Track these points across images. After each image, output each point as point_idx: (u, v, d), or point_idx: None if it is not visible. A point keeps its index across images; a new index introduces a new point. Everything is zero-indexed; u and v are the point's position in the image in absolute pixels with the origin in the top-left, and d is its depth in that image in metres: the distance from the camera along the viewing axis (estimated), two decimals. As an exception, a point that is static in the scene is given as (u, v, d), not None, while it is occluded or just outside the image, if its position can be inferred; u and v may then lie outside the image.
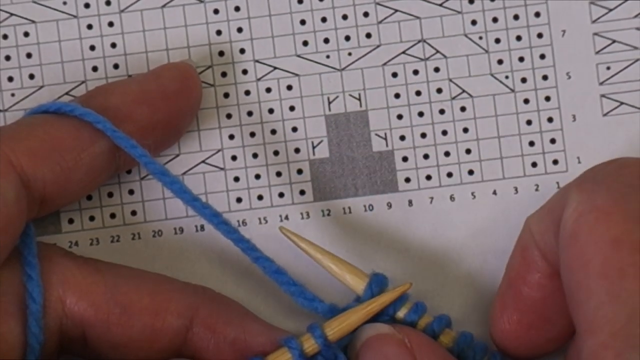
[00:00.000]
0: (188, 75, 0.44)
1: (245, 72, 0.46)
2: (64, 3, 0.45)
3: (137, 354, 0.40)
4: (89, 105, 0.41)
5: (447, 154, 0.46)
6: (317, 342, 0.41)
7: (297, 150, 0.46)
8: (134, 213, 0.45)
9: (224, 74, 0.46)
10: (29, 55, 0.45)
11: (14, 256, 0.40)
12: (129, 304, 0.40)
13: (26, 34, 0.45)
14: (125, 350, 0.40)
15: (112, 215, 0.45)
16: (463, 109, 0.46)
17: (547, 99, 0.46)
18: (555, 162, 0.46)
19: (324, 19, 0.46)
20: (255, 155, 0.46)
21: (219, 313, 0.41)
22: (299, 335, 0.41)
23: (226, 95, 0.46)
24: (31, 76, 0.45)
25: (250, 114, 0.46)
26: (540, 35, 0.46)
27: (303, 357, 0.40)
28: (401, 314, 0.42)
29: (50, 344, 0.40)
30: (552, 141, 0.46)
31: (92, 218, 0.45)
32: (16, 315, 0.39)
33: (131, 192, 0.45)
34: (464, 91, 0.46)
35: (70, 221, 0.45)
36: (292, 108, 0.46)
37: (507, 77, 0.46)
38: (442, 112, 0.46)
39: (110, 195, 0.45)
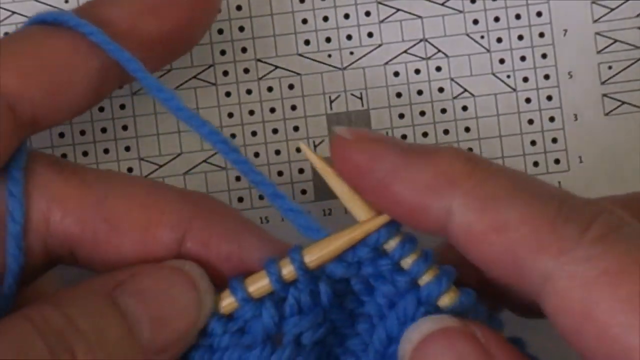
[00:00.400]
0: None
1: (246, 71, 0.46)
2: (66, 1, 0.45)
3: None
4: (88, 15, 0.39)
5: (448, 153, 0.46)
6: (295, 268, 0.38)
7: (298, 150, 0.46)
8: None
9: (225, 73, 0.46)
10: (30, 54, 0.45)
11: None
12: (117, 220, 0.38)
13: (28, 33, 0.45)
14: (116, 266, 0.38)
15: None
16: (465, 108, 0.46)
17: (549, 98, 0.46)
18: (557, 161, 0.46)
19: (325, 18, 0.46)
20: (256, 155, 0.46)
21: (214, 226, 0.39)
22: (280, 259, 0.38)
23: (228, 94, 0.46)
24: (32, 75, 0.45)
25: (251, 113, 0.46)
26: (542, 35, 0.46)
27: (280, 282, 0.38)
28: (389, 246, 0.38)
29: (34, 262, 0.38)
30: (554, 140, 0.46)
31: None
32: None
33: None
34: (465, 90, 0.46)
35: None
36: (293, 107, 0.46)
37: (508, 76, 0.46)
38: (443, 111, 0.46)
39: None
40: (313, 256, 0.38)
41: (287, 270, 0.38)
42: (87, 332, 0.35)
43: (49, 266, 0.39)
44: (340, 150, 0.37)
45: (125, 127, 0.46)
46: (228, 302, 0.38)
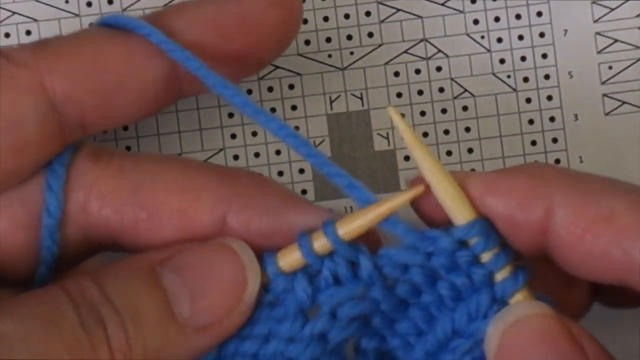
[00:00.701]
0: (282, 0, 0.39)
1: (247, 71, 0.46)
2: (66, 2, 0.45)
3: None
4: (153, 23, 0.38)
5: (449, 153, 0.46)
6: (329, 241, 0.37)
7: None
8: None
9: (225, 73, 0.46)
10: (30, 54, 0.45)
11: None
12: (155, 207, 0.38)
13: (28, 33, 0.45)
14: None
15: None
16: (465, 108, 0.46)
17: (549, 98, 0.46)
18: (557, 161, 0.46)
19: (326, 18, 0.46)
20: (257, 155, 0.46)
21: (255, 204, 0.38)
22: (312, 232, 0.38)
23: (228, 94, 0.46)
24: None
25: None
26: (542, 35, 0.46)
27: (312, 255, 0.37)
28: (471, 240, 0.37)
29: (74, 251, 0.38)
30: (554, 140, 0.46)
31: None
32: (27, 227, 0.37)
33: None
34: (466, 90, 0.46)
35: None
36: (294, 107, 0.46)
37: (509, 76, 0.46)
38: (444, 111, 0.46)
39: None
40: (347, 228, 0.37)
41: (320, 243, 0.38)
42: (121, 306, 0.35)
43: (91, 253, 0.39)
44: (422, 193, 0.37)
45: (125, 128, 0.46)
46: (263, 275, 0.38)
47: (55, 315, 0.34)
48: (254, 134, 0.46)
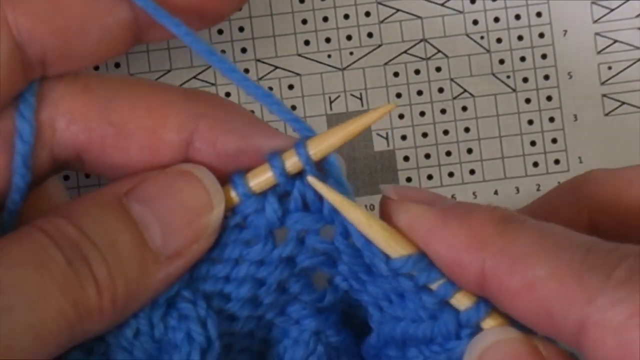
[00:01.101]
0: None
1: (246, 71, 0.46)
2: None
3: (136, 172, 0.38)
4: None
5: (448, 153, 0.46)
6: (301, 159, 0.37)
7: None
8: None
9: (225, 73, 0.46)
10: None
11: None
12: (123, 124, 0.38)
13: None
14: (124, 170, 0.38)
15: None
16: (464, 108, 0.46)
17: (549, 98, 0.46)
18: (556, 161, 0.46)
19: (325, 19, 0.46)
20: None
21: (221, 124, 0.38)
22: (282, 152, 0.38)
23: (228, 94, 0.46)
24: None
25: (252, 113, 0.46)
26: (541, 35, 0.46)
27: (285, 175, 0.37)
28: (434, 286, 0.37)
29: (40, 170, 0.38)
30: (554, 141, 0.46)
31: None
32: (1, 152, 0.37)
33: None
34: (465, 91, 0.46)
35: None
36: (293, 107, 0.46)
37: (508, 76, 0.46)
38: (443, 111, 0.46)
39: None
40: (318, 147, 0.37)
41: (291, 162, 0.37)
42: (99, 242, 0.36)
43: (54, 172, 0.39)
44: (387, 210, 0.38)
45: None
46: (230, 197, 0.38)
47: (43, 257, 0.35)
48: (254, 134, 0.46)
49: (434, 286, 0.37)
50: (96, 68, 0.45)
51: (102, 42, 0.38)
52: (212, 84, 0.46)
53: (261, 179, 0.38)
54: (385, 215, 0.38)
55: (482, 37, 0.46)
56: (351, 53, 0.46)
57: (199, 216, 0.37)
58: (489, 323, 0.37)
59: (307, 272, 0.39)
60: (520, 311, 0.35)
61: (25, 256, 0.35)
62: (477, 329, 0.37)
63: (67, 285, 0.35)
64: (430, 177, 0.46)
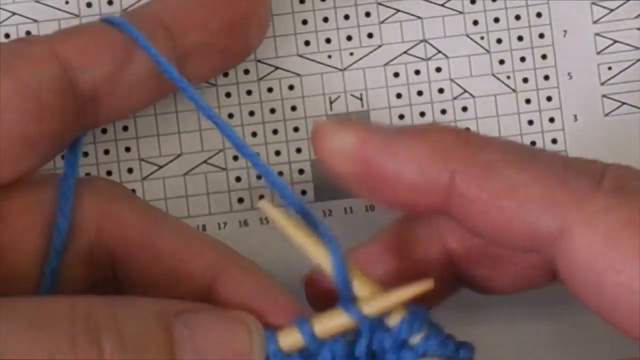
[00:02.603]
0: None
1: (247, 71, 0.46)
2: (66, 2, 0.45)
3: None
4: (143, 12, 0.40)
5: (448, 154, 0.46)
6: (304, 337, 0.37)
7: (298, 150, 0.46)
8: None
9: (225, 74, 0.46)
10: (30, 55, 0.45)
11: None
12: (160, 243, 0.38)
13: (28, 33, 0.45)
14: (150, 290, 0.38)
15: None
16: (465, 109, 0.46)
17: (549, 99, 0.46)
18: (556, 162, 0.46)
19: (325, 19, 0.46)
20: (256, 155, 0.46)
21: (243, 282, 0.38)
22: (311, 316, 0.38)
23: (228, 95, 0.46)
24: (33, 75, 0.45)
25: (251, 113, 0.46)
26: (541, 36, 0.46)
27: (315, 340, 0.37)
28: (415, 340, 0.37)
29: (74, 274, 0.39)
30: (554, 141, 0.46)
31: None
32: (43, 231, 0.38)
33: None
34: (465, 91, 0.46)
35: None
36: (293, 108, 0.46)
37: (508, 77, 0.46)
38: (443, 112, 0.46)
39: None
40: (323, 326, 0.37)
41: (289, 340, 0.38)
42: (127, 336, 0.35)
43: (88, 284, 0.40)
44: (321, 138, 0.37)
45: (125, 128, 0.46)
46: None
47: (43, 321, 0.34)
48: (254, 134, 0.46)
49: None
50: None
51: (148, 81, 0.39)
52: (213, 85, 0.46)
53: (290, 340, 0.38)
54: (323, 147, 0.37)
55: (482, 38, 0.46)
56: (351, 53, 0.46)
57: (235, 358, 0.37)
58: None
59: None
60: (492, 222, 0.34)
61: (27, 314, 0.34)
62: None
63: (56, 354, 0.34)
64: (430, 177, 0.46)
